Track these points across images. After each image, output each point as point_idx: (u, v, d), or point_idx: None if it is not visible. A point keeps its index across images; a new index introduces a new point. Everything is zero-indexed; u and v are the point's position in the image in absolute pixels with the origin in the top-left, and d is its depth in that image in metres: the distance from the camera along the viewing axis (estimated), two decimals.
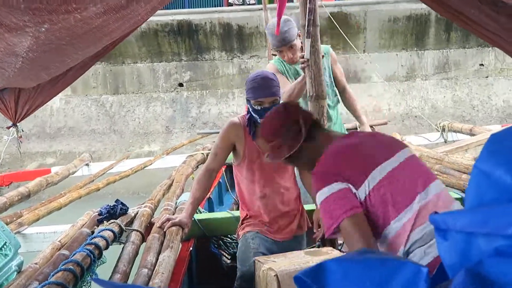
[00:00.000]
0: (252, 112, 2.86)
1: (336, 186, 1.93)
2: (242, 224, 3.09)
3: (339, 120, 4.12)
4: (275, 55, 4.05)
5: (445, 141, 6.81)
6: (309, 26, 2.91)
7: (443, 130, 6.98)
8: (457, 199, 3.64)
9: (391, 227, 1.91)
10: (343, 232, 1.91)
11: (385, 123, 6.91)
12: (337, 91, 4.09)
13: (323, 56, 3.11)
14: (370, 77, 11.64)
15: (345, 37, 7.53)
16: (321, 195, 1.95)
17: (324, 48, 3.88)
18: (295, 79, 3.77)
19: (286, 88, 3.66)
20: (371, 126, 6.37)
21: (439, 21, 11.35)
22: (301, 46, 3.37)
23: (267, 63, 4.09)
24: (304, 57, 3.02)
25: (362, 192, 1.94)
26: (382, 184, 1.94)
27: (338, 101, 4.09)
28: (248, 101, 2.87)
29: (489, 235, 0.85)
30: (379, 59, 11.51)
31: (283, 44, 3.74)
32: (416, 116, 10.88)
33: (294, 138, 2.14)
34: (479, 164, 0.97)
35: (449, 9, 2.70)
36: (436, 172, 4.37)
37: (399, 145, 2.15)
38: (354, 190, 1.94)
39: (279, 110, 2.28)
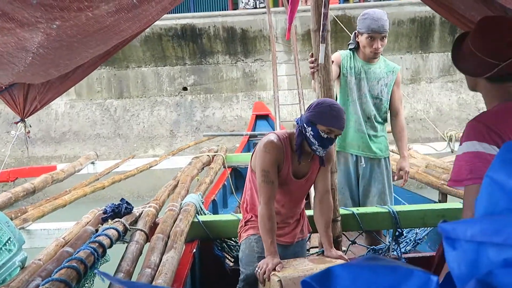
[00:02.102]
0: (311, 136, 2.69)
1: (488, 148, 1.79)
2: (245, 225, 3.06)
3: (383, 137, 3.92)
4: (352, 49, 3.87)
5: (452, 151, 6.77)
6: (323, 31, 2.89)
7: (450, 139, 6.94)
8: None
9: None
10: (465, 194, 1.82)
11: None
12: (388, 112, 3.92)
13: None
14: None
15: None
16: (466, 146, 1.82)
17: (395, 67, 3.89)
18: (354, 78, 3.73)
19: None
20: None
21: (443, 24, 11.35)
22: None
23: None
24: (318, 61, 3.01)
25: None
26: None
27: (386, 120, 3.91)
28: (311, 123, 2.69)
29: (500, 245, 0.84)
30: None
31: (381, 30, 3.59)
32: (421, 119, 10.84)
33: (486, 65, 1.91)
34: (491, 173, 0.96)
35: (453, 13, 2.69)
36: (442, 182, 4.36)
37: None
38: None
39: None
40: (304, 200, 3.09)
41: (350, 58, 3.83)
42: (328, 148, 2.74)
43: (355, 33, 3.79)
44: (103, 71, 11.79)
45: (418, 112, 11.08)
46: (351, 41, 3.89)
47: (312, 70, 3.15)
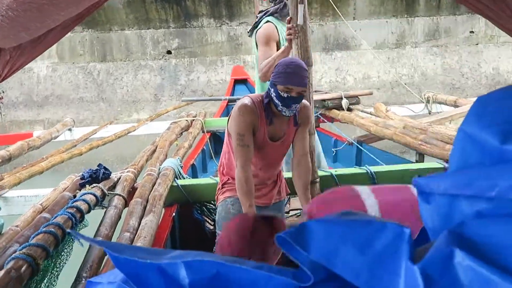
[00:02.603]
0: (274, 98, 2.68)
1: None
2: (222, 187, 3.05)
3: None
4: (275, 13, 3.69)
5: (429, 113, 6.82)
6: None
7: (428, 101, 6.99)
8: (440, 169, 3.68)
9: None
10: None
11: (371, 93, 6.88)
12: None
13: None
14: (359, 45, 11.59)
15: (334, 5, 7.45)
16: None
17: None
18: None
19: (265, 61, 3.48)
20: (356, 96, 6.37)
21: None
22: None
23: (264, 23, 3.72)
24: (297, 23, 2.96)
25: None
26: None
27: None
28: (273, 85, 2.68)
29: (472, 197, 0.85)
30: (369, 26, 11.44)
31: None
32: (406, 84, 10.92)
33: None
34: (464, 126, 0.96)
35: None
36: (419, 142, 4.40)
37: None
38: None
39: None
40: (282, 162, 3.09)
41: (280, 26, 3.67)
42: (292, 108, 2.68)
43: None
44: (86, 34, 11.55)
45: (403, 77, 11.12)
46: (274, 4, 3.72)
47: (289, 36, 3.08)
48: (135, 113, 11.30)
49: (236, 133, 2.75)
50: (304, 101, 2.85)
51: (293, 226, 1.89)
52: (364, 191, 1.87)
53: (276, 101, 2.68)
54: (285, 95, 2.63)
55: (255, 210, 2.79)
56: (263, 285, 0.87)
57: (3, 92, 3.27)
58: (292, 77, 2.61)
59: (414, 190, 1.83)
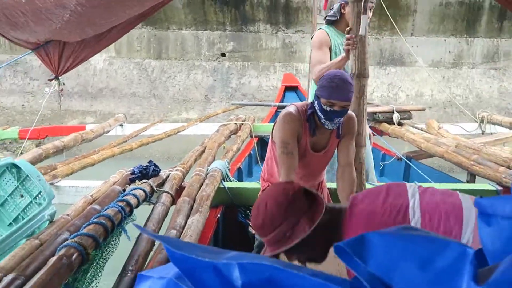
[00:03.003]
0: (318, 110, 2.66)
1: None
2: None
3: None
4: (331, 22, 3.77)
5: (483, 133, 6.64)
6: (366, 2, 2.84)
7: (482, 121, 6.80)
8: (492, 191, 3.58)
9: None
10: None
11: (423, 109, 6.77)
12: None
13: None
14: (415, 62, 11.43)
15: (392, 20, 7.36)
16: None
17: None
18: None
19: (322, 64, 3.55)
20: (407, 111, 6.27)
21: (492, 9, 11.04)
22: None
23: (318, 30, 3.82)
24: (359, 33, 2.95)
25: None
26: None
27: None
28: (317, 97, 2.67)
29: None
30: (426, 44, 11.27)
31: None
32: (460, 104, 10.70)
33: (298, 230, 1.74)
34: None
35: None
36: (472, 162, 4.29)
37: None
38: None
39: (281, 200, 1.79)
40: (323, 173, 3.06)
41: (334, 34, 3.73)
42: (335, 122, 2.66)
43: (341, 4, 3.67)
44: (144, 31, 11.82)
45: (456, 97, 10.88)
46: (332, 13, 3.76)
47: (347, 47, 3.08)
48: (184, 112, 11.44)
49: (281, 140, 2.73)
50: (349, 112, 2.83)
51: (332, 207, 1.83)
52: (412, 187, 1.84)
53: (320, 113, 2.66)
54: (328, 108, 2.60)
55: None
56: None
57: (63, 84, 3.38)
58: (335, 91, 2.58)
59: (462, 197, 1.80)
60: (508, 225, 0.91)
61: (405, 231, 0.92)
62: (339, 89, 2.59)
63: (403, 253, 0.84)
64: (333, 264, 2.34)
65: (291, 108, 2.78)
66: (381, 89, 11.34)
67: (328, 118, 2.63)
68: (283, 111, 2.79)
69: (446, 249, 0.82)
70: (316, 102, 2.67)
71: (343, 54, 3.24)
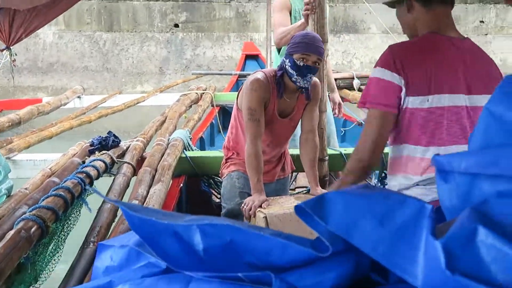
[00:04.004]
0: (289, 68, 2.68)
1: (389, 76, 1.85)
2: (226, 162, 3.06)
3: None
4: None
5: None
6: None
7: None
8: None
9: (414, 150, 1.90)
10: (367, 118, 1.91)
11: None
12: None
13: None
14: (368, 28, 11.48)
15: None
16: (374, 71, 1.90)
17: None
18: None
19: (281, 28, 3.59)
20: (367, 77, 6.32)
21: None
22: None
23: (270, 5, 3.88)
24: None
25: (411, 102, 1.85)
26: (439, 113, 1.85)
27: None
28: (288, 56, 2.69)
29: (496, 176, 0.84)
30: (378, 10, 11.32)
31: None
32: None
33: None
34: (490, 105, 0.95)
35: None
36: None
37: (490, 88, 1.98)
38: (403, 92, 1.84)
39: None
40: (289, 139, 3.08)
41: None
42: (307, 78, 2.70)
43: None
44: (94, 2, 11.47)
45: None
46: None
47: (305, 12, 3.08)
48: (139, 85, 11.28)
49: (247, 107, 2.74)
50: (314, 78, 2.85)
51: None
52: None
53: (291, 71, 2.68)
54: (302, 63, 2.64)
55: (248, 181, 2.83)
56: (280, 253, 0.86)
57: (15, 54, 3.26)
58: (310, 45, 2.65)
59: None
60: (464, 181, 0.92)
61: (364, 190, 0.92)
62: (313, 43, 2.66)
63: (362, 211, 0.85)
64: (296, 230, 2.36)
65: (258, 75, 2.79)
66: (335, 56, 11.38)
67: (300, 74, 2.67)
68: (251, 78, 2.80)
69: (404, 205, 0.83)
70: (287, 61, 2.70)
71: (303, 20, 3.24)
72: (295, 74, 2.67)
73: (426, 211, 0.80)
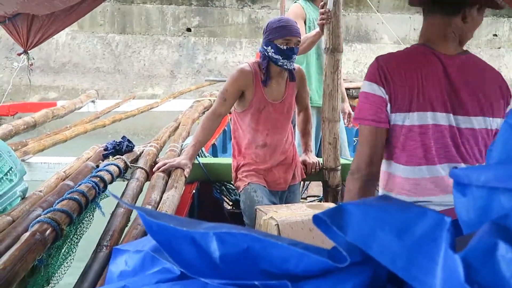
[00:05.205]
0: (273, 54, 2.84)
1: (375, 89, 1.80)
2: (237, 173, 3.10)
3: None
4: None
5: None
6: None
7: None
8: None
9: (395, 167, 1.86)
10: (360, 134, 1.87)
11: None
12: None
13: None
14: (381, 38, 11.46)
15: None
16: (363, 85, 1.86)
17: None
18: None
19: None
20: None
21: None
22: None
23: (290, 9, 3.89)
24: (327, 8, 2.96)
25: (393, 119, 1.80)
26: (420, 131, 1.80)
27: None
28: (269, 42, 2.84)
29: None
30: (391, 20, 11.31)
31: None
32: None
33: None
34: (509, 119, 0.95)
35: None
36: None
37: (489, 110, 1.87)
38: (388, 107, 1.80)
39: None
40: (288, 128, 3.12)
41: (310, 8, 3.82)
42: (292, 59, 2.87)
43: None
44: (107, 4, 11.59)
45: None
46: None
47: (320, 22, 3.10)
48: (150, 88, 11.33)
49: (224, 88, 2.99)
50: (295, 65, 3.04)
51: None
52: None
53: (276, 56, 2.84)
54: (285, 47, 2.81)
55: (269, 194, 2.94)
56: (296, 262, 0.87)
57: (33, 58, 3.30)
58: (289, 29, 2.83)
59: None
60: (482, 195, 0.92)
61: (382, 201, 0.92)
62: (291, 26, 2.85)
63: (380, 222, 0.85)
64: (308, 238, 2.36)
65: (243, 64, 3.01)
66: (346, 65, 11.41)
67: (286, 57, 2.84)
68: (238, 67, 3.04)
69: (423, 217, 0.82)
70: (269, 48, 2.85)
71: (318, 29, 3.26)
72: (280, 58, 2.84)
73: (445, 224, 0.80)
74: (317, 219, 0.88)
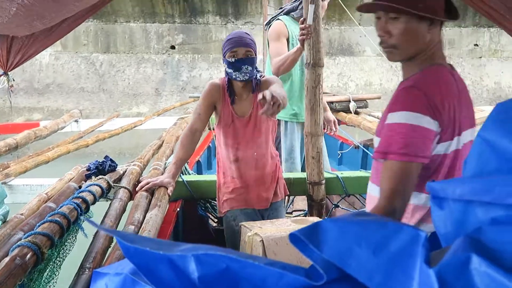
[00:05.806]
0: (227, 68, 2.88)
1: (430, 123, 1.62)
2: (220, 195, 3.12)
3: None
4: (290, 12, 3.82)
5: None
6: None
7: None
8: None
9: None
10: (387, 169, 1.63)
11: (379, 97, 6.87)
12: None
13: None
14: (364, 51, 11.57)
15: (345, 9, 7.41)
16: (401, 117, 1.62)
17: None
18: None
19: (278, 57, 3.61)
20: (364, 100, 6.36)
21: None
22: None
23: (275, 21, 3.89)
24: (307, 23, 2.98)
25: (441, 148, 1.68)
26: (462, 152, 1.72)
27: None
28: (223, 60, 2.90)
29: (490, 204, 0.85)
30: (373, 33, 11.39)
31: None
32: None
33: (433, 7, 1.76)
34: (482, 133, 0.96)
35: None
36: None
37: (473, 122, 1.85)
38: (436, 140, 1.66)
39: None
40: (262, 142, 3.06)
41: (292, 24, 3.81)
42: (243, 70, 2.85)
43: None
44: (90, 24, 11.55)
45: None
46: (292, 3, 3.81)
47: (301, 37, 3.11)
48: (135, 106, 11.30)
49: (198, 103, 3.07)
50: (266, 76, 3.07)
51: None
52: None
53: (229, 70, 2.88)
54: (233, 59, 2.83)
55: (252, 213, 2.93)
56: (274, 282, 0.87)
57: (13, 80, 3.29)
58: (235, 41, 2.86)
59: None
60: (458, 208, 0.93)
61: (359, 217, 0.93)
62: (238, 38, 2.87)
63: (356, 238, 0.85)
64: (293, 254, 2.35)
65: (215, 79, 3.09)
66: (331, 79, 11.47)
67: (235, 68, 2.85)
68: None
69: (398, 233, 0.83)
70: (224, 64, 2.91)
71: (299, 45, 3.27)
72: (232, 71, 2.86)
73: (420, 239, 0.80)
74: (293, 238, 0.89)
